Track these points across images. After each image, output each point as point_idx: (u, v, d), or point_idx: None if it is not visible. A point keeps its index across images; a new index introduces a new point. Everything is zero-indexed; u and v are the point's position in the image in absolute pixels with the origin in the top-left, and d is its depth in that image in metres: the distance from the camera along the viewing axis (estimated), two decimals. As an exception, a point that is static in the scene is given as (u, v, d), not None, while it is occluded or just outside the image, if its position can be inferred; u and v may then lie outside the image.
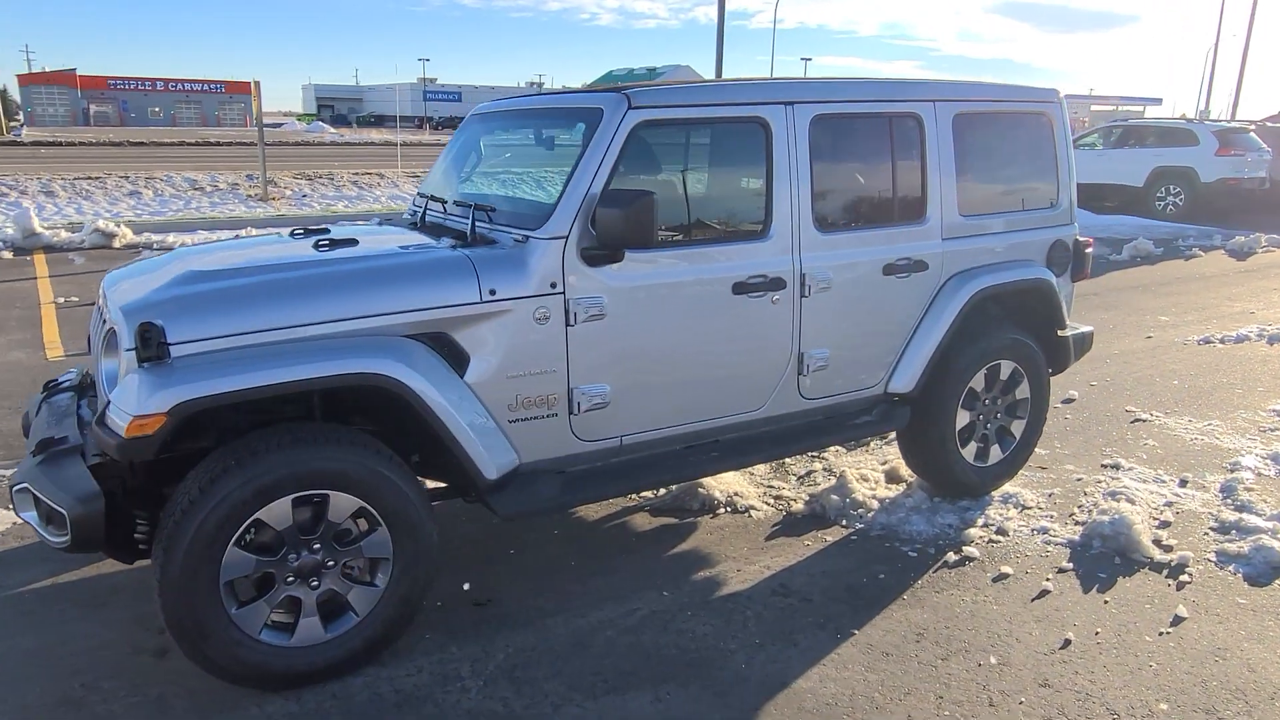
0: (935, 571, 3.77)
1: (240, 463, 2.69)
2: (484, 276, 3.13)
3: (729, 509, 4.32)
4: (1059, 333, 4.60)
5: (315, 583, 2.89)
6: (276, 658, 2.85)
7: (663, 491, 4.46)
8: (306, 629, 2.90)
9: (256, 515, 2.72)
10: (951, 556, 3.88)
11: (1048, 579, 3.70)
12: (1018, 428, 4.53)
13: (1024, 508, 4.38)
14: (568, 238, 3.22)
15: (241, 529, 2.71)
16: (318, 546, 2.86)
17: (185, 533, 2.63)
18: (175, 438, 2.70)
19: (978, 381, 4.30)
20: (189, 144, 37.75)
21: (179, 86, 78.21)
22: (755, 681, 3.01)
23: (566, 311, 3.24)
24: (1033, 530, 4.14)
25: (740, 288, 3.56)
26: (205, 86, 78.89)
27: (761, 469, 4.80)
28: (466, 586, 3.59)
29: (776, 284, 3.64)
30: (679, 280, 3.45)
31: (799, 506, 4.35)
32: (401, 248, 3.36)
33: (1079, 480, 4.73)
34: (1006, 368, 4.38)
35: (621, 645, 3.22)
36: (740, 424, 3.76)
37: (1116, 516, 4.03)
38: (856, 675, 3.05)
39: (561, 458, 3.38)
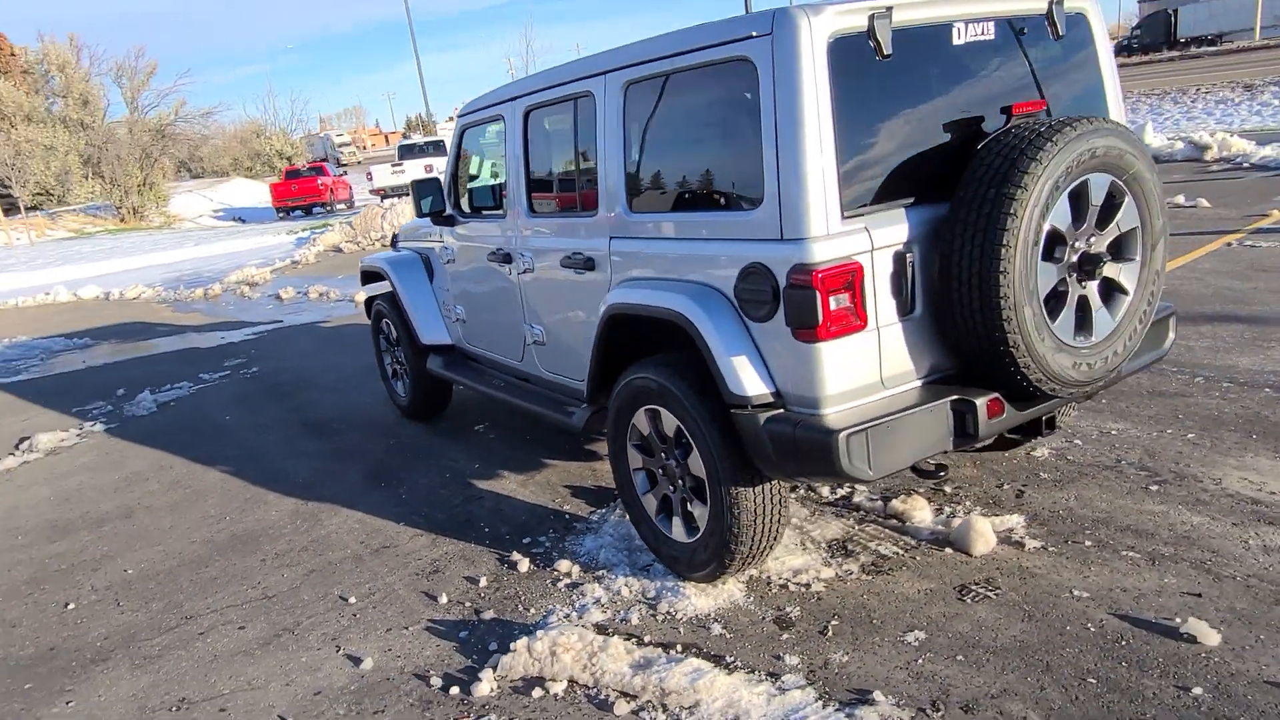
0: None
1: None
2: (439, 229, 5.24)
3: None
4: (735, 409, 2.86)
5: None
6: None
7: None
8: None
9: None
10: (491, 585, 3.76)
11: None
12: (700, 513, 3.18)
13: (625, 605, 3.28)
14: (442, 207, 4.97)
15: None
16: None
17: None
18: None
19: (640, 422, 3.38)
20: None
21: None
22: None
23: (444, 254, 5.02)
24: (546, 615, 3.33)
25: (491, 256, 4.41)
26: None
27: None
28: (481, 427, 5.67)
29: (507, 258, 4.26)
30: (468, 244, 4.68)
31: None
32: None
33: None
34: (668, 420, 3.21)
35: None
36: (520, 371, 4.50)
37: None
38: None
39: (468, 350, 5.17)
